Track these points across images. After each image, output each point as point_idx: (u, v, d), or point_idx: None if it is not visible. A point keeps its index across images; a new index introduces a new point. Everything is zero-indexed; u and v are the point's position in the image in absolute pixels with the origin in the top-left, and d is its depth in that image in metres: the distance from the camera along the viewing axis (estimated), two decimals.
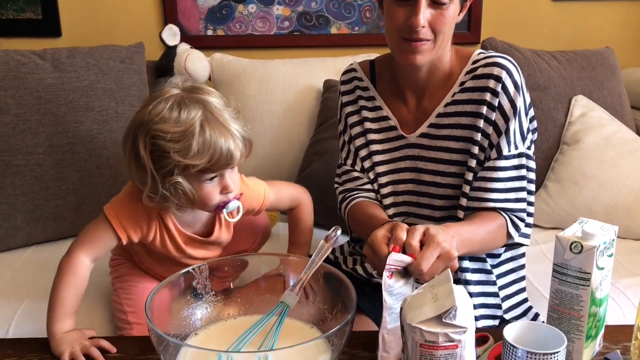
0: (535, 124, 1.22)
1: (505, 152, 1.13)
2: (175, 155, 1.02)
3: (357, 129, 1.27)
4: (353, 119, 1.28)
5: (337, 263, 1.35)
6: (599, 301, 0.92)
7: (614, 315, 1.36)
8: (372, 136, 1.25)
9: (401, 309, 0.82)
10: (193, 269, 1.00)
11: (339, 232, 0.98)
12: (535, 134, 1.23)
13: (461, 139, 1.16)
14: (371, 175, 1.26)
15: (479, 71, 1.14)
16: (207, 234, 1.22)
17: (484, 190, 1.13)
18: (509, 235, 1.15)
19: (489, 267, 1.21)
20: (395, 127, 1.22)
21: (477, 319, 1.18)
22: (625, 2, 2.26)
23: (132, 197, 1.13)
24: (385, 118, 1.24)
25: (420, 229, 0.94)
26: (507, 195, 1.14)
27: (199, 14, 2.14)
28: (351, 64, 1.31)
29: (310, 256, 0.99)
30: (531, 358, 0.81)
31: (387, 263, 0.89)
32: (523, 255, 1.27)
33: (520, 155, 1.15)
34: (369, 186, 1.27)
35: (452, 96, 1.17)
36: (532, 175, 1.19)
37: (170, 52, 1.97)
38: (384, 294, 0.88)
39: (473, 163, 1.15)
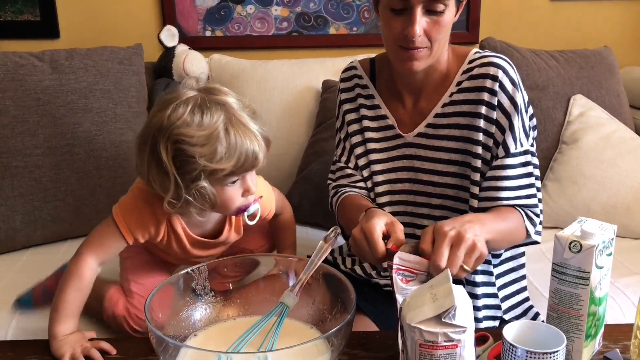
0: (534, 121, 1.22)
1: (512, 150, 1.12)
2: (202, 159, 0.99)
3: (354, 127, 1.27)
4: (351, 116, 1.28)
5: (336, 264, 1.35)
6: (598, 300, 0.93)
7: (613, 314, 1.36)
8: (369, 134, 1.25)
9: (400, 309, 0.82)
10: (192, 270, 1.00)
11: (338, 232, 0.99)
12: (535, 132, 1.23)
13: (460, 139, 1.16)
14: (365, 173, 1.26)
15: (475, 71, 1.14)
16: (216, 234, 1.22)
17: (494, 189, 1.13)
18: (527, 231, 1.14)
19: (492, 269, 1.21)
20: (393, 126, 1.22)
21: (480, 320, 1.19)
22: (623, 1, 2.27)
23: (139, 199, 1.12)
24: (384, 117, 1.24)
25: (429, 229, 0.94)
26: (518, 193, 1.13)
27: (197, 14, 2.14)
28: (352, 62, 1.32)
29: (308, 257, 0.99)
30: (531, 357, 0.81)
31: (394, 263, 0.88)
32: (523, 254, 1.27)
33: (526, 152, 1.15)
34: (362, 184, 1.27)
35: (450, 96, 1.17)
36: (538, 172, 1.19)
37: (168, 53, 1.97)
38: (397, 296, 0.87)
39: (478, 163, 1.14)
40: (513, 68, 1.14)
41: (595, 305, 0.92)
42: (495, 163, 1.13)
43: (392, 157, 1.23)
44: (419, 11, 1.05)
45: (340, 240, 1.34)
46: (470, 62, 1.17)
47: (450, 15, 1.08)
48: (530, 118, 1.20)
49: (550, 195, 1.80)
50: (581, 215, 1.03)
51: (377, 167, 1.25)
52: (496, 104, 1.12)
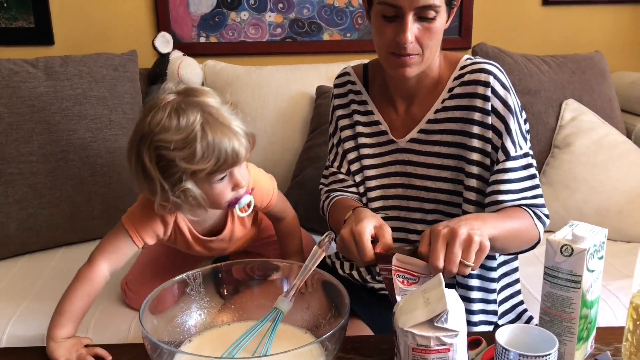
0: (528, 125, 1.23)
1: (512, 153, 1.13)
2: (182, 162, 1.01)
3: (347, 132, 1.28)
4: (344, 122, 1.29)
5: (334, 268, 1.35)
6: (590, 303, 0.93)
7: (605, 317, 1.37)
8: (362, 140, 1.26)
9: (393, 313, 0.82)
10: (187, 276, 1.01)
11: (333, 237, 0.99)
12: (529, 136, 1.24)
13: (452, 144, 1.17)
14: (358, 178, 1.27)
15: (467, 77, 1.15)
16: (220, 229, 1.25)
17: (498, 192, 1.12)
18: (538, 231, 1.13)
19: (490, 275, 1.21)
20: (386, 131, 1.23)
21: (475, 324, 1.19)
22: (614, 6, 2.29)
23: (146, 207, 1.15)
24: (377, 122, 1.25)
25: (427, 232, 0.94)
26: (523, 194, 1.13)
27: (192, 21, 2.15)
28: (345, 68, 1.32)
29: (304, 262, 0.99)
30: None
31: (393, 265, 0.89)
32: (516, 258, 1.28)
33: (526, 155, 1.15)
34: (354, 189, 1.28)
35: (442, 102, 1.18)
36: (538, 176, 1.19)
37: (163, 59, 1.98)
38: (398, 298, 0.88)
39: (473, 169, 1.15)
40: (503, 73, 1.15)
41: (587, 309, 0.93)
42: (496, 167, 1.13)
43: (385, 163, 1.24)
44: (410, 18, 1.05)
45: (334, 247, 1.35)
46: (462, 68, 1.17)
47: (441, 21, 1.09)
48: (524, 122, 1.21)
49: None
50: (574, 219, 1.04)
51: (370, 173, 1.25)
52: (490, 109, 1.13)
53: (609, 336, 1.02)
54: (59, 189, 1.69)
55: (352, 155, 1.27)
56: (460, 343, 0.77)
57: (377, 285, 1.26)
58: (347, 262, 1.35)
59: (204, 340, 0.97)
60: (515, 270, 1.28)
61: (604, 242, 0.94)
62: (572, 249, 0.89)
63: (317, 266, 0.98)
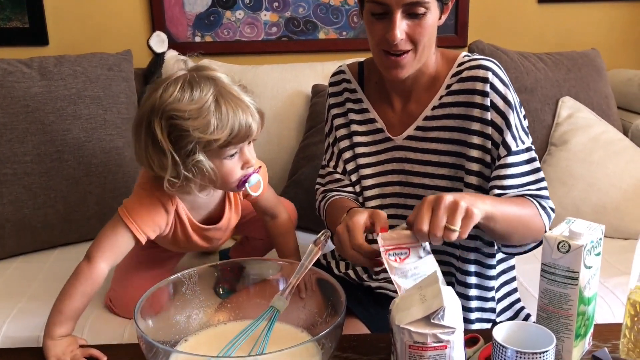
0: (527, 122, 1.22)
1: (514, 148, 1.11)
2: (196, 132, 1.01)
3: (342, 131, 1.27)
4: (339, 120, 1.28)
5: (329, 268, 1.35)
6: (588, 300, 0.93)
7: (603, 314, 1.37)
8: (358, 139, 1.25)
9: (389, 310, 0.82)
10: (182, 275, 1.00)
11: (328, 235, 0.99)
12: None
13: (450, 141, 1.16)
14: (354, 177, 1.26)
15: (465, 74, 1.15)
16: (217, 218, 1.24)
17: (500, 188, 1.11)
18: (543, 223, 1.10)
19: (489, 272, 1.20)
20: (382, 129, 1.23)
21: (472, 322, 1.19)
22: (610, 3, 2.29)
23: (144, 198, 1.13)
24: (372, 120, 1.24)
25: (417, 205, 0.94)
26: (527, 187, 1.12)
27: (187, 20, 2.14)
28: (340, 66, 1.32)
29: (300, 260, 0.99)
30: (521, 358, 0.81)
31: (380, 245, 0.88)
32: (513, 255, 1.27)
33: (529, 149, 1.14)
34: (350, 188, 1.27)
35: (440, 99, 1.17)
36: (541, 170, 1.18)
37: (158, 59, 1.97)
38: (394, 278, 0.88)
39: (472, 166, 1.14)
40: (501, 69, 1.15)
41: (585, 305, 0.92)
42: (498, 163, 1.12)
43: (381, 161, 1.23)
44: (398, 15, 1.05)
45: (331, 244, 1.34)
46: (460, 65, 1.17)
47: (432, 17, 1.08)
48: (524, 118, 1.20)
49: None
50: (571, 216, 1.04)
51: (366, 171, 1.25)
52: (489, 104, 1.12)
53: (607, 333, 1.01)
54: (54, 189, 1.68)
55: (347, 155, 1.27)
56: (457, 340, 0.77)
57: (374, 284, 1.25)
58: (342, 261, 1.34)
59: (200, 340, 0.97)
60: (512, 268, 1.28)
61: (601, 239, 0.94)
62: (569, 246, 0.89)
63: (313, 266, 0.97)
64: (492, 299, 1.21)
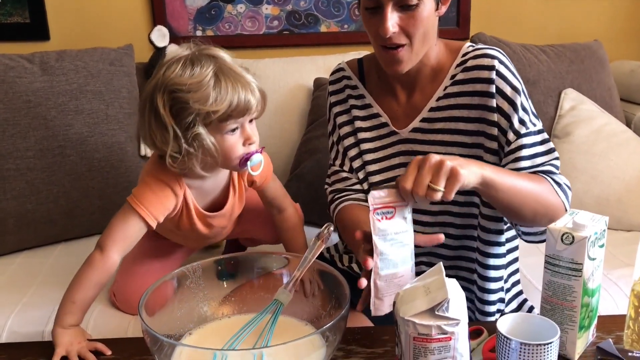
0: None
1: (524, 131, 1.10)
2: (195, 104, 1.04)
3: (346, 129, 1.27)
4: (342, 118, 1.28)
5: (333, 261, 1.35)
6: (592, 291, 0.93)
7: (607, 306, 1.37)
8: (362, 135, 1.24)
9: (394, 302, 0.82)
10: (187, 269, 1.00)
11: (332, 229, 0.98)
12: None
13: (456, 131, 1.15)
14: (361, 175, 1.26)
15: (470, 63, 1.14)
16: (221, 205, 1.26)
17: (515, 170, 1.09)
18: (560, 199, 1.07)
19: (499, 262, 1.20)
20: (387, 123, 1.22)
21: (493, 314, 1.20)
22: None
23: (153, 184, 1.15)
24: (376, 115, 1.23)
25: None
26: (540, 166, 1.10)
27: (188, 14, 2.13)
28: (339, 64, 1.31)
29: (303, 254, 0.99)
30: (525, 349, 0.81)
31: (370, 203, 0.88)
32: (517, 248, 1.27)
33: (541, 131, 1.13)
34: (358, 186, 1.26)
35: (444, 90, 1.16)
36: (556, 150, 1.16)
37: (159, 53, 1.96)
38: (374, 238, 0.88)
39: (481, 153, 1.13)
40: (507, 57, 1.14)
41: (589, 297, 0.92)
42: (509, 148, 1.11)
43: (387, 156, 1.23)
44: (389, 8, 1.04)
45: (334, 238, 1.34)
46: (464, 55, 1.16)
47: (427, 9, 1.06)
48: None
49: None
50: (574, 208, 1.04)
51: (372, 167, 1.24)
52: (494, 91, 1.10)
53: (611, 324, 1.02)
54: (57, 185, 1.68)
55: (353, 152, 1.26)
56: (461, 332, 0.77)
57: None
58: (346, 255, 1.34)
59: (205, 333, 0.97)
60: (516, 260, 1.27)
61: (604, 230, 0.94)
62: (573, 237, 0.88)
63: (317, 259, 0.97)
64: (502, 289, 1.21)
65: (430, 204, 1.19)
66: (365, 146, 1.24)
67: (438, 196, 0.89)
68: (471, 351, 0.85)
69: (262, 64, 1.99)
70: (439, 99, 1.17)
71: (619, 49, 2.30)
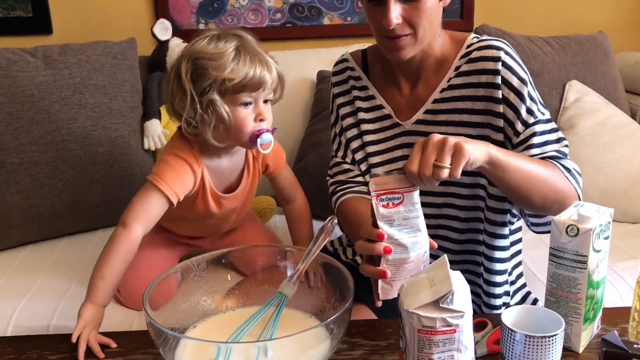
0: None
1: (532, 120, 1.09)
2: (213, 71, 1.12)
3: (349, 120, 1.26)
4: (345, 110, 1.27)
5: (337, 254, 1.35)
6: (596, 284, 0.93)
7: (612, 298, 1.37)
8: (365, 126, 1.24)
9: (398, 295, 0.82)
10: (191, 263, 1.00)
11: (335, 222, 0.98)
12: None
13: (460, 123, 1.15)
14: (363, 167, 1.25)
15: (474, 54, 1.13)
16: (235, 187, 1.31)
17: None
18: (571, 184, 1.05)
19: (503, 255, 1.19)
20: (390, 115, 1.22)
21: (499, 307, 1.20)
22: None
23: (173, 160, 1.20)
24: (380, 107, 1.23)
25: None
26: (550, 154, 1.09)
27: (191, 7, 2.13)
28: (343, 55, 1.31)
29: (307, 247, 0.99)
30: (529, 342, 0.81)
31: (371, 190, 0.87)
32: (520, 240, 1.27)
33: (549, 120, 1.12)
34: (360, 178, 1.26)
35: (448, 81, 1.16)
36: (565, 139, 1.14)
37: (162, 47, 1.96)
38: (380, 223, 0.87)
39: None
40: (512, 48, 1.13)
41: (593, 289, 0.92)
42: (518, 139, 1.09)
43: (390, 148, 1.22)
44: (392, 0, 1.04)
45: (338, 231, 1.34)
46: (469, 46, 1.15)
47: (431, 0, 1.06)
48: None
49: None
50: (578, 201, 1.04)
51: (375, 160, 1.24)
52: (500, 82, 1.09)
53: (615, 316, 1.01)
54: (60, 179, 1.69)
55: (355, 144, 1.26)
56: (466, 324, 0.77)
57: None
58: (350, 247, 1.34)
59: (209, 326, 0.97)
60: (520, 252, 1.27)
61: (609, 222, 0.93)
62: (578, 229, 0.88)
63: (320, 252, 0.97)
64: (506, 282, 1.21)
65: (433, 196, 1.19)
66: (368, 138, 1.24)
67: (445, 173, 0.87)
68: (475, 343, 0.85)
69: None
70: (442, 90, 1.16)
71: (624, 40, 2.29)
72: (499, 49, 1.11)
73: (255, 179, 1.34)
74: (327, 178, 1.33)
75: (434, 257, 1.21)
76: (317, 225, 1.29)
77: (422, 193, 1.19)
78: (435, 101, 1.17)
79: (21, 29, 2.08)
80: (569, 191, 1.04)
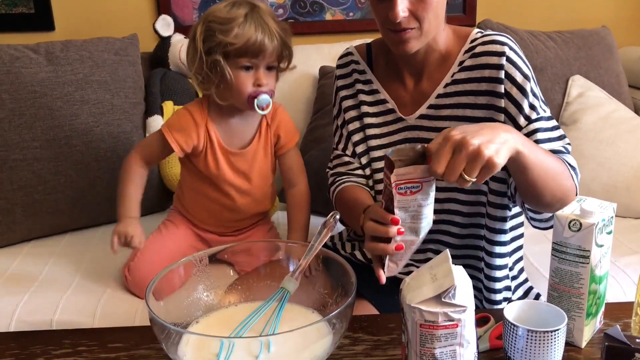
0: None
1: (534, 116, 1.09)
2: (220, 35, 1.25)
3: (352, 113, 1.26)
4: (348, 102, 1.27)
5: (336, 249, 1.35)
6: (599, 279, 0.93)
7: (614, 293, 1.37)
8: (368, 120, 1.24)
9: (400, 290, 0.82)
10: (193, 258, 1.00)
11: (338, 217, 0.98)
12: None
13: (463, 118, 1.14)
14: (364, 160, 1.25)
15: (478, 49, 1.13)
16: (245, 147, 1.40)
17: None
18: (573, 180, 1.05)
19: (502, 250, 1.19)
20: (394, 109, 1.21)
21: (500, 302, 1.19)
22: None
23: (180, 114, 1.38)
24: (383, 101, 1.23)
25: (443, 132, 0.88)
26: (553, 149, 1.08)
27: (192, 3, 2.13)
28: (347, 48, 1.31)
29: (309, 242, 0.99)
30: (532, 336, 0.81)
31: (393, 182, 0.86)
32: (521, 235, 1.26)
33: (550, 117, 1.12)
34: (359, 171, 1.26)
35: (452, 76, 1.16)
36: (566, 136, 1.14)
37: (164, 43, 1.96)
38: (396, 210, 0.89)
39: None
40: (516, 44, 1.13)
41: (596, 284, 0.92)
42: (522, 132, 1.07)
43: (393, 142, 1.22)
44: None
45: (340, 226, 1.34)
46: (472, 41, 1.15)
47: None
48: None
49: None
50: (581, 195, 1.03)
51: (377, 153, 1.24)
52: (503, 76, 1.09)
53: (618, 311, 1.01)
54: (63, 175, 1.69)
55: (357, 137, 1.26)
56: (468, 319, 0.77)
57: None
58: (349, 242, 1.34)
59: (211, 322, 0.97)
60: (521, 247, 1.27)
61: (612, 217, 0.93)
62: (581, 224, 0.88)
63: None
64: (507, 277, 1.21)
65: (437, 192, 1.18)
66: (371, 132, 1.24)
67: (468, 185, 0.86)
68: (478, 338, 0.85)
69: None
70: (446, 85, 1.16)
71: (627, 35, 2.28)
72: (503, 44, 1.11)
73: (268, 146, 1.41)
74: (327, 170, 1.34)
75: (435, 252, 1.22)
76: (319, 221, 1.29)
77: None
78: (439, 96, 1.17)
79: (23, 25, 2.08)
80: (572, 190, 1.04)
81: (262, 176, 1.44)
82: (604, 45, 2.00)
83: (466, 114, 1.14)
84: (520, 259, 1.26)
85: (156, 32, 1.95)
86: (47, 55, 1.72)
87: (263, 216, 1.53)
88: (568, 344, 0.91)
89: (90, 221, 1.76)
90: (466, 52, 1.15)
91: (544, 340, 0.81)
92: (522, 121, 1.09)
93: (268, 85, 1.31)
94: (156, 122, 1.79)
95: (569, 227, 0.89)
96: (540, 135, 1.09)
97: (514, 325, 0.83)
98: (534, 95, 1.10)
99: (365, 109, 1.24)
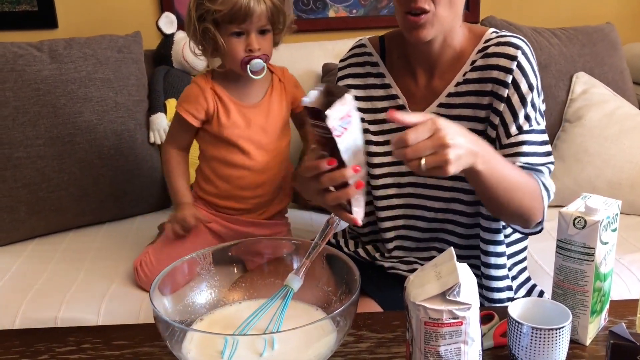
0: (544, 106, 1.19)
1: (526, 127, 1.09)
2: (207, 2, 1.30)
3: (360, 104, 1.24)
4: (357, 92, 1.23)
5: (339, 246, 1.34)
6: (604, 276, 0.92)
7: (619, 290, 1.36)
8: (378, 115, 1.22)
9: (404, 287, 0.82)
10: (197, 255, 1.01)
11: None
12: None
13: (472, 118, 1.13)
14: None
15: (491, 49, 1.12)
16: (258, 102, 1.45)
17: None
18: (542, 200, 1.06)
19: (503, 248, 1.19)
20: (404, 106, 1.20)
21: (501, 301, 1.19)
22: None
23: (187, 88, 1.44)
24: (394, 97, 1.21)
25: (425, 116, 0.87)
26: (536, 167, 1.09)
27: None
28: (361, 39, 1.28)
29: (313, 239, 0.99)
30: (536, 334, 0.81)
31: (331, 126, 0.83)
32: (522, 239, 1.25)
33: (543, 131, 1.12)
34: None
35: (463, 75, 1.15)
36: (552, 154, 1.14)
37: (167, 40, 1.96)
38: (343, 154, 0.86)
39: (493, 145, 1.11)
40: (531, 50, 1.12)
41: (601, 281, 0.92)
42: (508, 141, 1.09)
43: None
44: None
45: (343, 224, 1.34)
46: (487, 41, 1.14)
47: None
48: (542, 103, 1.17)
49: (555, 173, 1.78)
50: (586, 192, 1.03)
51: (378, 149, 1.23)
52: (510, 81, 1.08)
53: (623, 309, 1.01)
54: (67, 172, 1.69)
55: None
56: (473, 316, 0.77)
57: (387, 264, 1.25)
58: (352, 240, 1.34)
59: (215, 319, 0.97)
60: (525, 248, 1.26)
61: (617, 214, 0.93)
62: (585, 221, 0.88)
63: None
64: (507, 276, 1.21)
65: (442, 190, 1.18)
66: (374, 128, 1.22)
67: (414, 170, 0.85)
68: (482, 336, 0.85)
69: None
70: (457, 84, 1.15)
71: (632, 31, 2.27)
72: (517, 47, 1.10)
73: (282, 102, 1.46)
74: None
75: (440, 250, 1.22)
76: (323, 218, 1.29)
77: (430, 187, 1.19)
78: (450, 95, 1.15)
79: (27, 23, 2.08)
80: (536, 211, 1.05)
81: (279, 129, 1.47)
82: (608, 41, 2.00)
83: (476, 114, 1.13)
84: (523, 259, 1.26)
85: (159, 29, 1.95)
86: (50, 53, 1.72)
87: (281, 196, 1.55)
88: (573, 341, 0.91)
89: (94, 219, 1.76)
90: (479, 51, 1.14)
91: (548, 337, 0.81)
92: (513, 129, 1.09)
93: (261, 50, 1.34)
94: (159, 120, 1.79)
95: (574, 225, 0.89)
96: (526, 148, 1.08)
97: (519, 322, 0.83)
98: (533, 106, 1.10)
99: (375, 103, 1.22)
